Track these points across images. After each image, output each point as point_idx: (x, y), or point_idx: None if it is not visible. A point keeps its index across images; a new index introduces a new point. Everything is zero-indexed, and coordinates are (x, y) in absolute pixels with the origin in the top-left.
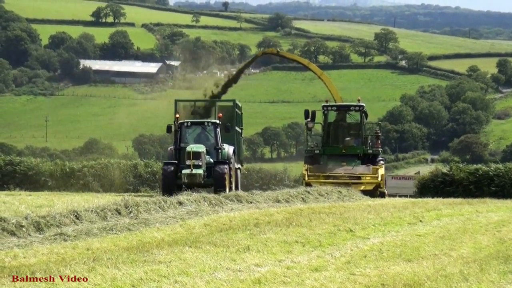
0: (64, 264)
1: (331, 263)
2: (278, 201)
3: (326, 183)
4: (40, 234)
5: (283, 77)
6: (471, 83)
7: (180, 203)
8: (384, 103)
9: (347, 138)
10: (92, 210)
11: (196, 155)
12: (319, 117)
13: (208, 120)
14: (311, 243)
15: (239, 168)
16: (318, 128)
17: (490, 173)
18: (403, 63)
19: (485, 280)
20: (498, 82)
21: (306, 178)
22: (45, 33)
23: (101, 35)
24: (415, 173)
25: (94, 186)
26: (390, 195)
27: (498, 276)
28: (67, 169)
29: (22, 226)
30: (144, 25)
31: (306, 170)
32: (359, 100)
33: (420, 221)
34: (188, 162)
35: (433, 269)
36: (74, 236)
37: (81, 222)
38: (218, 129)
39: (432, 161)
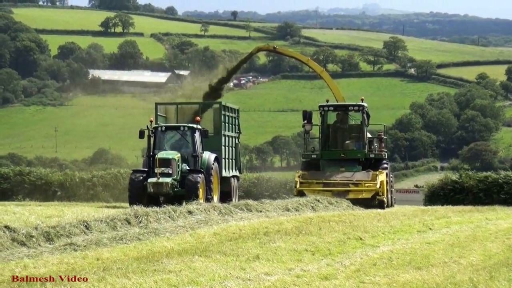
0: (74, 274)
1: (340, 271)
2: (288, 210)
3: (320, 192)
4: (50, 244)
5: (292, 85)
6: (480, 90)
7: (190, 212)
8: (393, 111)
9: (347, 142)
10: (102, 220)
11: (165, 162)
12: (317, 118)
13: (184, 124)
14: (320, 252)
15: (234, 176)
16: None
17: (500, 180)
18: (412, 71)
19: None
20: (507, 90)
21: (298, 186)
22: (54, 43)
23: (110, 45)
24: (420, 186)
25: (103, 196)
26: None
27: (508, 283)
28: (77, 179)
29: (32, 237)
30: (153, 35)
31: (299, 176)
32: (362, 100)
33: (430, 229)
34: (156, 170)
35: (443, 277)
36: (84, 246)
37: (91, 232)
38: (196, 134)
39: (442, 168)
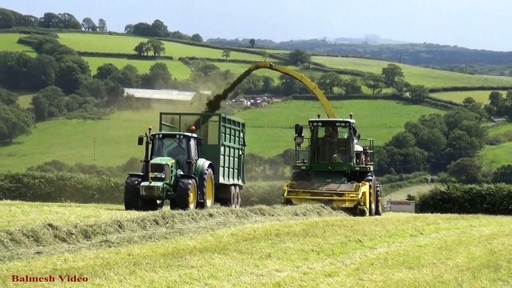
0: (108, 268)
1: (342, 269)
2: (297, 215)
3: (306, 200)
4: (87, 241)
5: (301, 105)
6: (467, 113)
7: (211, 215)
8: (390, 129)
9: (335, 155)
10: (133, 220)
11: (158, 167)
12: (307, 133)
13: (180, 132)
14: (325, 252)
15: (235, 184)
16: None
17: (483, 192)
18: (407, 94)
19: (477, 287)
20: (490, 112)
21: (285, 194)
22: (93, 64)
23: (143, 67)
24: (412, 196)
25: None
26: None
27: (489, 283)
28: (112, 184)
29: (72, 234)
30: (180, 59)
31: (287, 186)
32: (351, 116)
33: (421, 233)
34: (150, 175)
35: (432, 276)
36: (118, 243)
37: (124, 231)
38: (191, 142)
39: (432, 181)
